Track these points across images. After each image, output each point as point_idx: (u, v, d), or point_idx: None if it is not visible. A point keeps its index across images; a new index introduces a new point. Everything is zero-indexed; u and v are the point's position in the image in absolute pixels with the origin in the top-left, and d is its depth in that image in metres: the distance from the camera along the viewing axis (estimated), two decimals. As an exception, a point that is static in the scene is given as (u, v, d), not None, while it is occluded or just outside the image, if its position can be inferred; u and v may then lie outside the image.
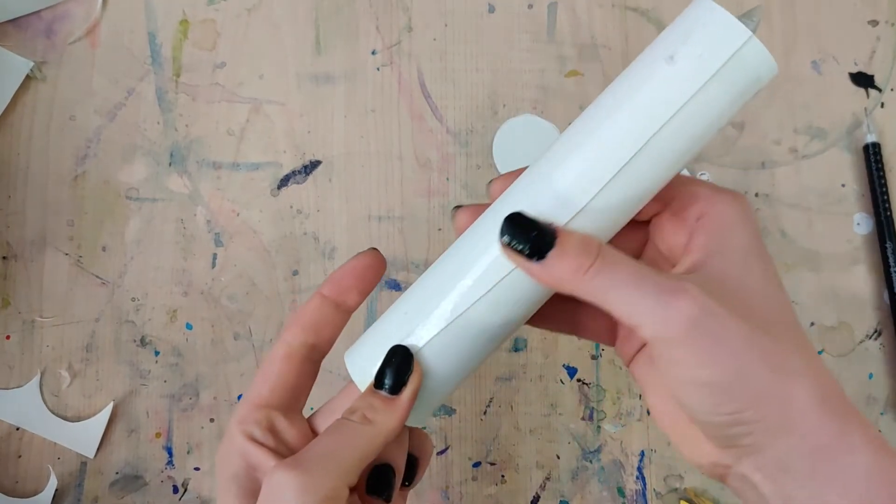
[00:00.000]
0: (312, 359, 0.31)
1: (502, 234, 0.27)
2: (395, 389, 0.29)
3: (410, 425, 0.31)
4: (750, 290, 0.27)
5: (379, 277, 0.32)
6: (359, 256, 0.32)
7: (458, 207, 0.31)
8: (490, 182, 0.31)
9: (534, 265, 0.27)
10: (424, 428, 0.43)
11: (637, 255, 0.32)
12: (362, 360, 0.30)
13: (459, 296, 0.28)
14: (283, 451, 0.29)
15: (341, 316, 0.32)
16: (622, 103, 0.27)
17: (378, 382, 0.29)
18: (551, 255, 0.26)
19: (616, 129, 0.27)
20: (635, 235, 0.31)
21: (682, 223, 0.29)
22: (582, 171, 0.27)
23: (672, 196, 0.29)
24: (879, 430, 0.44)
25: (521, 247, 0.27)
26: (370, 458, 0.28)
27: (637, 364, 0.31)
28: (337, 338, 0.32)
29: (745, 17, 0.27)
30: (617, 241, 0.29)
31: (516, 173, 0.30)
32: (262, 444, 0.29)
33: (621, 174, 0.27)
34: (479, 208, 0.30)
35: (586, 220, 0.27)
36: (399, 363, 0.29)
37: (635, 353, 0.31)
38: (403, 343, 0.29)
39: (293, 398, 0.31)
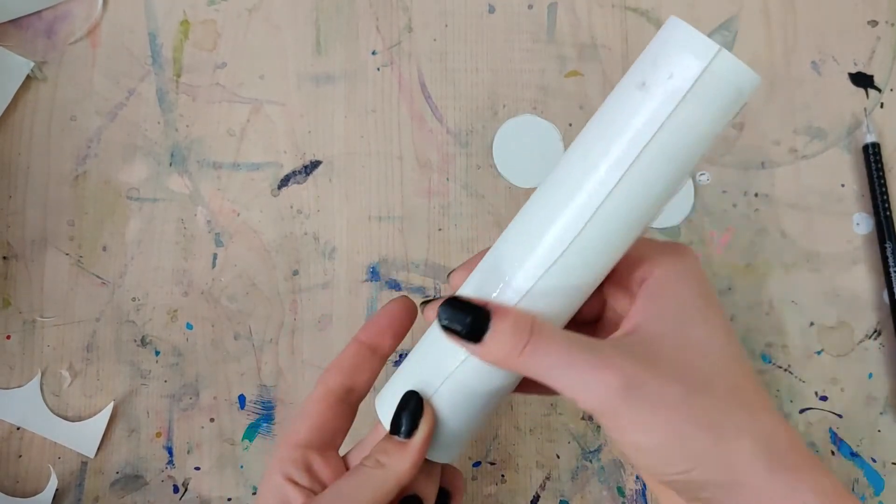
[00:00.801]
0: (349, 401, 0.33)
1: (440, 317, 0.28)
2: (409, 434, 0.30)
3: (438, 461, 0.31)
4: (689, 350, 0.27)
5: (412, 322, 0.34)
6: (391, 303, 0.34)
7: (450, 273, 0.32)
8: (450, 274, 0.32)
9: (473, 346, 0.28)
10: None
11: (598, 317, 0.32)
12: (386, 405, 0.31)
13: None
14: (318, 491, 0.31)
15: (377, 360, 0.33)
16: (595, 143, 0.26)
17: (393, 428, 0.30)
18: (487, 337, 0.27)
19: (583, 176, 0.26)
20: (596, 299, 0.31)
21: (627, 288, 0.29)
22: (527, 253, 0.28)
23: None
24: (878, 431, 0.44)
25: (458, 329, 0.27)
26: (384, 501, 0.29)
27: None
28: (373, 381, 0.34)
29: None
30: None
31: (475, 260, 0.31)
32: (297, 484, 0.31)
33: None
34: (472, 264, 0.31)
35: (533, 302, 0.28)
36: (411, 409, 0.30)
37: None
38: (420, 386, 0.30)
39: (330, 438, 0.32)
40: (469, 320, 0.27)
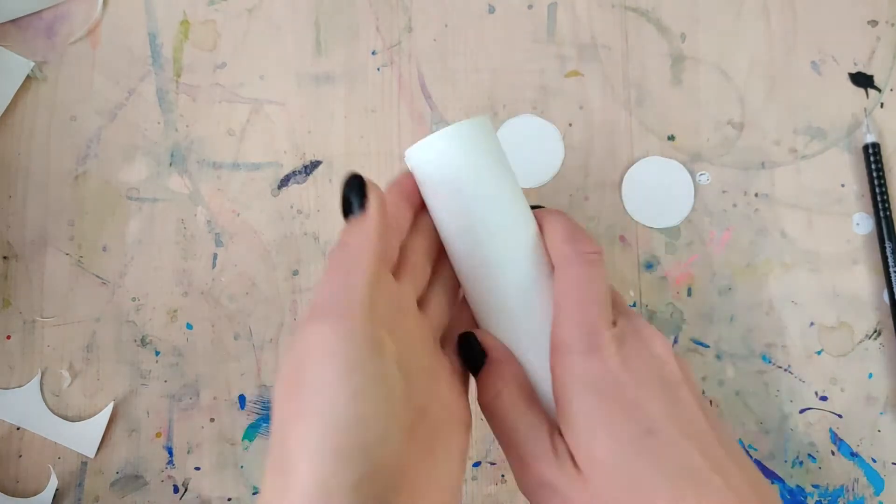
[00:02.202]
0: None
1: (459, 340, 0.33)
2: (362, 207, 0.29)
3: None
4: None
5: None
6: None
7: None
8: None
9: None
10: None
11: None
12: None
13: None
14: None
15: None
16: None
17: (346, 212, 0.29)
18: (480, 373, 0.32)
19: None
20: None
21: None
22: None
23: None
24: (878, 430, 0.44)
25: (466, 359, 0.32)
26: (375, 273, 0.28)
27: None
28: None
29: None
30: None
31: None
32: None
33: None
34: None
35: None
36: (356, 186, 0.29)
37: None
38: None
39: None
40: (467, 356, 0.32)
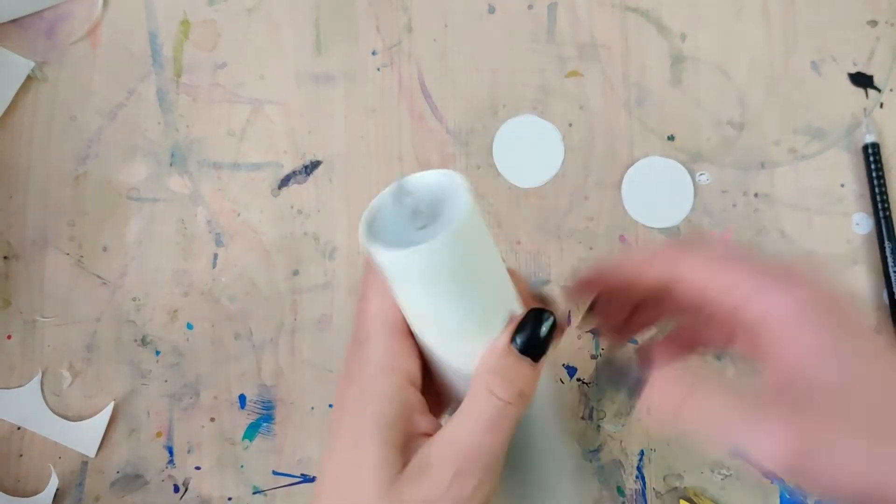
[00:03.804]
0: None
1: (598, 381, 0.27)
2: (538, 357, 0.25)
3: None
4: (860, 394, 0.25)
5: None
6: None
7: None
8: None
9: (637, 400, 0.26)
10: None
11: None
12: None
13: None
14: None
15: None
16: None
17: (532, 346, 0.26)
18: (646, 391, 0.26)
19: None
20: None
21: (742, 328, 0.28)
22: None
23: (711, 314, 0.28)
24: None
25: (619, 392, 0.27)
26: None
27: None
28: None
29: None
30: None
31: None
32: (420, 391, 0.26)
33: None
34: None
35: None
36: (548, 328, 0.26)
37: None
38: None
39: None
40: (629, 385, 0.27)
